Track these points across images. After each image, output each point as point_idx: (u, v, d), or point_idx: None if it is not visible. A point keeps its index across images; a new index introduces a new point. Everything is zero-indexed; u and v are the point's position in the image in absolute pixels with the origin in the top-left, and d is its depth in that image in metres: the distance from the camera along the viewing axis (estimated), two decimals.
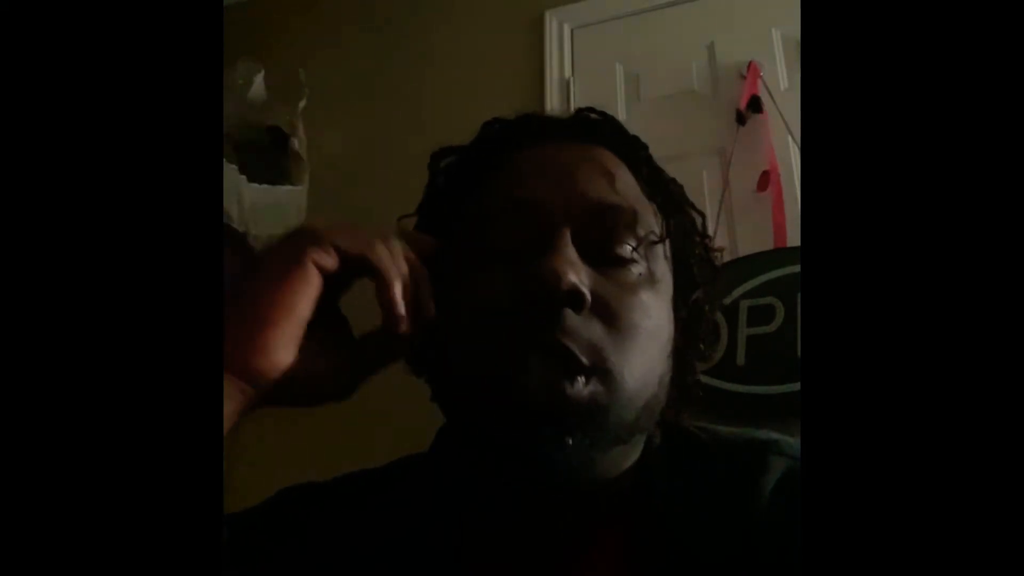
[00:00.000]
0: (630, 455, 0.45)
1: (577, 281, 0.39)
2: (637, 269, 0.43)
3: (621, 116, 1.53)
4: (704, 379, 0.49)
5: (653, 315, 0.43)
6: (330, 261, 0.39)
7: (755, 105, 1.40)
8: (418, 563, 0.43)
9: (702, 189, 1.37)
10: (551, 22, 1.67)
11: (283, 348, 0.37)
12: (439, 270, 0.44)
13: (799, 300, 1.13)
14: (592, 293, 0.40)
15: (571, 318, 0.39)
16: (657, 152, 0.50)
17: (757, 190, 1.35)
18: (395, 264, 0.40)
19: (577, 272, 0.40)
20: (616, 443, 0.41)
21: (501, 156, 0.48)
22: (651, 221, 0.45)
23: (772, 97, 1.41)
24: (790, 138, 1.37)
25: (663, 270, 0.45)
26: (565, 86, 1.60)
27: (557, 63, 1.62)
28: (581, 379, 0.38)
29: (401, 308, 0.40)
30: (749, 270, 1.21)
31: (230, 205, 1.43)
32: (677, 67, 1.55)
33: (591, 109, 0.51)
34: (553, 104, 1.56)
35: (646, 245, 0.44)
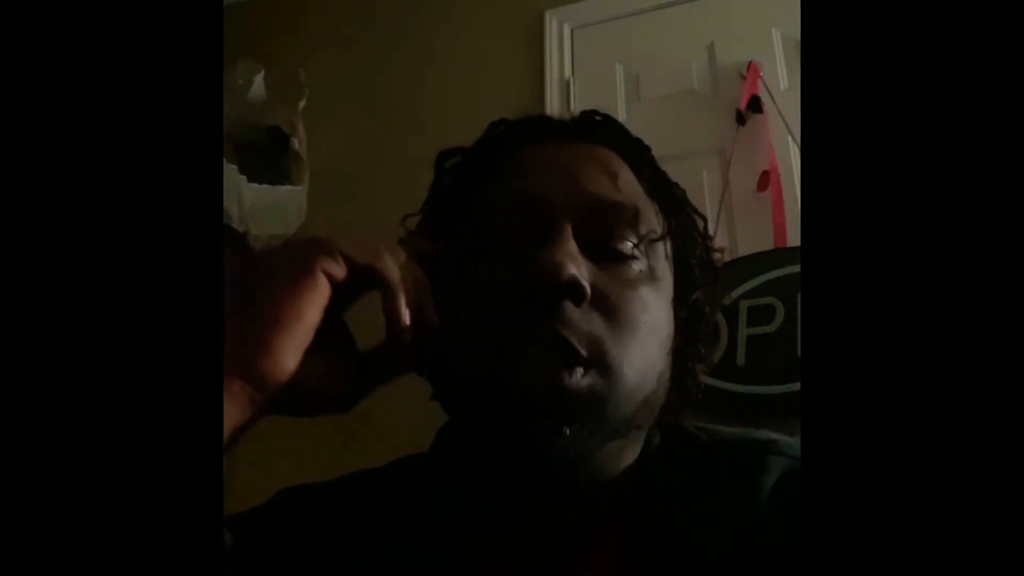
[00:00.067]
0: (629, 453, 0.45)
1: (577, 273, 0.39)
2: (638, 266, 0.44)
3: (621, 116, 1.54)
4: (704, 379, 0.49)
5: (653, 311, 0.43)
6: (339, 270, 0.39)
7: (755, 105, 1.40)
8: (418, 563, 0.43)
9: (702, 189, 1.37)
10: (551, 22, 1.67)
11: (290, 354, 0.38)
12: (442, 270, 0.44)
13: (799, 300, 1.14)
14: (592, 287, 0.40)
15: (570, 310, 0.39)
16: (657, 152, 0.51)
17: (757, 190, 1.35)
18: (401, 276, 0.41)
19: (577, 265, 0.40)
20: (614, 437, 0.41)
21: (505, 155, 0.48)
22: (652, 220, 0.46)
23: (772, 97, 1.41)
24: (790, 138, 1.37)
25: (664, 269, 0.46)
26: (565, 86, 1.60)
27: (557, 63, 1.63)
28: (579, 370, 0.39)
29: (406, 319, 0.40)
30: (749, 270, 1.21)
31: (230, 205, 1.43)
32: (677, 67, 1.55)
33: (594, 112, 0.51)
34: (553, 104, 1.56)
35: (647, 243, 0.44)
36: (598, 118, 0.51)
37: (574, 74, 1.62)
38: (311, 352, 0.39)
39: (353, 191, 1.62)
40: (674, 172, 0.51)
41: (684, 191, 0.51)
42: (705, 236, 0.51)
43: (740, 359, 1.15)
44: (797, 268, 1.17)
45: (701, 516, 0.41)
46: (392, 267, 0.40)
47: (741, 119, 1.40)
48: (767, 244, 1.27)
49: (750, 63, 1.46)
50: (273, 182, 1.53)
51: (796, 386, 1.09)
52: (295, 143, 1.58)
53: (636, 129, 0.51)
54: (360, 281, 0.40)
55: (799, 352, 1.11)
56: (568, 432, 0.38)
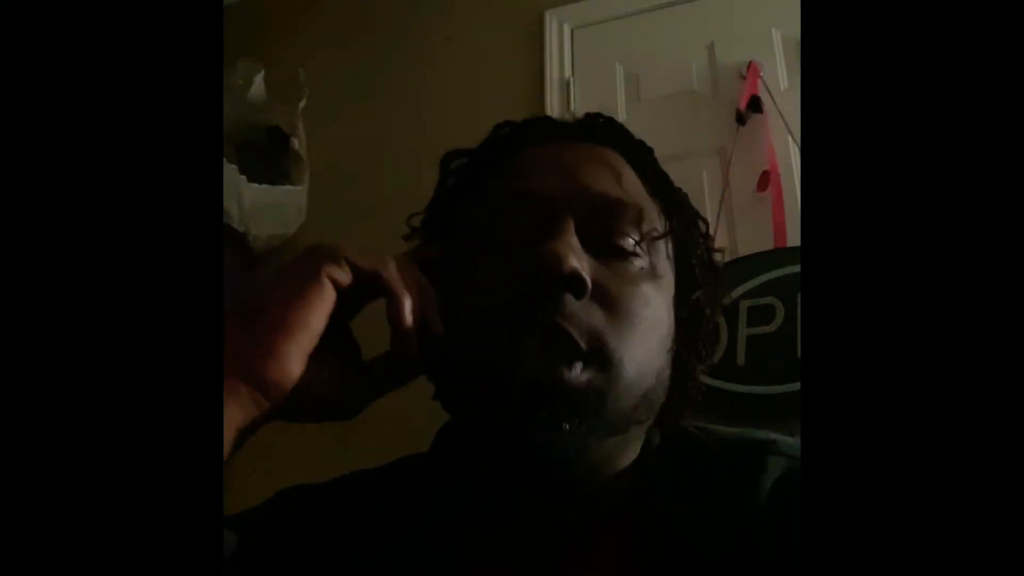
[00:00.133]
0: (628, 452, 0.45)
1: (578, 266, 0.39)
2: (639, 263, 0.44)
3: (621, 116, 1.54)
4: (704, 379, 0.49)
5: (653, 307, 0.43)
6: (345, 277, 0.40)
7: (755, 105, 1.40)
8: (418, 563, 0.43)
9: (702, 189, 1.37)
10: (551, 22, 1.67)
11: (296, 360, 0.38)
12: (444, 269, 0.44)
13: (799, 300, 1.13)
14: (593, 281, 0.40)
15: (571, 303, 0.40)
16: (657, 152, 0.51)
17: (757, 190, 1.35)
18: (406, 284, 0.41)
19: (579, 259, 0.40)
20: (613, 432, 0.41)
21: (508, 156, 0.49)
22: (654, 219, 0.46)
23: (772, 97, 1.41)
24: (790, 138, 1.37)
25: (665, 267, 0.46)
26: (565, 86, 1.60)
27: (557, 63, 1.62)
28: (579, 365, 0.39)
29: (411, 326, 0.40)
30: (749, 270, 1.21)
31: (230, 205, 1.43)
32: (677, 67, 1.55)
33: (597, 114, 0.52)
34: (553, 104, 1.56)
35: (648, 241, 0.45)
36: (601, 120, 0.51)
37: (574, 74, 1.62)
38: (316, 358, 0.39)
39: (353, 191, 1.62)
40: (674, 172, 0.52)
41: (687, 196, 0.52)
42: (706, 237, 0.51)
43: (740, 359, 1.15)
44: (797, 268, 1.17)
45: (701, 516, 0.41)
46: (397, 274, 0.41)
47: (741, 119, 1.40)
48: (767, 244, 1.27)
49: (750, 63, 1.46)
50: (273, 182, 1.53)
51: (796, 386, 1.09)
52: (295, 143, 1.58)
53: (636, 129, 0.51)
54: (366, 288, 0.41)
55: (799, 352, 1.11)
56: (567, 427, 0.38)
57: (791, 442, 0.45)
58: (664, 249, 0.46)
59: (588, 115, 0.52)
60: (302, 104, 1.61)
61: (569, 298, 0.39)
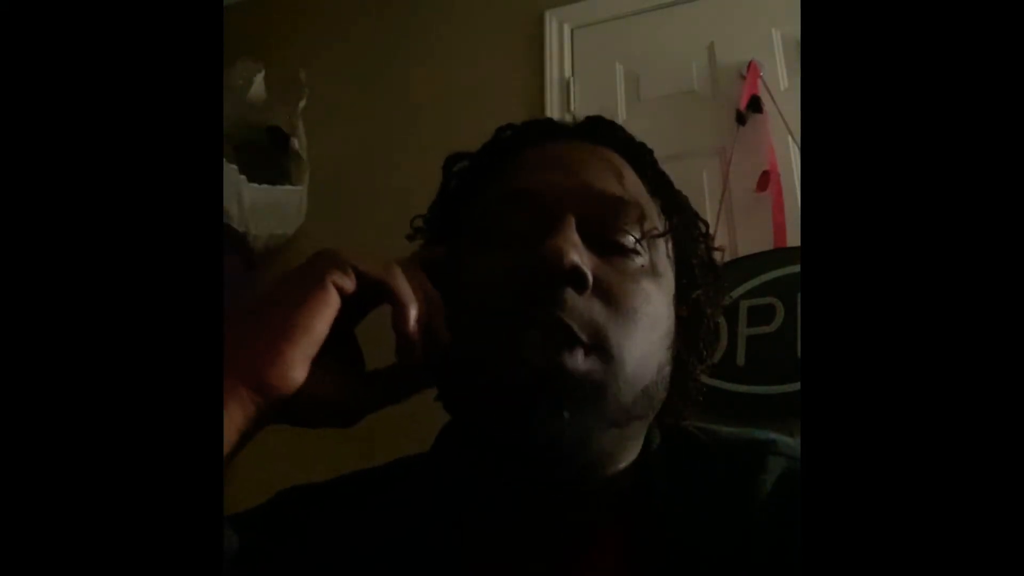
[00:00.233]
0: (628, 450, 0.45)
1: (579, 261, 0.40)
2: (640, 260, 0.44)
3: (621, 116, 1.54)
4: (704, 379, 0.50)
5: (654, 303, 0.43)
6: (349, 283, 0.40)
7: (755, 105, 1.40)
8: (418, 563, 0.43)
9: (702, 189, 1.37)
10: (551, 22, 1.67)
11: (298, 364, 0.38)
12: (446, 268, 0.44)
13: (799, 300, 1.14)
14: (594, 277, 0.41)
15: (572, 297, 0.40)
16: (657, 152, 0.52)
17: (757, 190, 1.35)
18: (412, 291, 0.41)
19: (579, 254, 0.40)
20: (612, 425, 0.41)
21: (509, 156, 0.49)
22: (655, 217, 0.47)
23: (772, 97, 1.41)
24: (790, 138, 1.37)
25: (665, 266, 0.46)
26: (565, 86, 1.60)
27: (557, 63, 1.62)
28: (580, 352, 0.39)
29: (415, 334, 0.40)
30: (749, 270, 1.21)
31: (230, 205, 1.42)
32: (677, 67, 1.55)
33: (599, 117, 0.52)
34: (553, 104, 1.56)
35: (649, 239, 0.45)
36: (601, 122, 0.52)
37: (574, 74, 1.62)
38: (319, 364, 0.39)
39: (353, 191, 1.62)
40: (674, 172, 0.52)
41: (687, 198, 0.52)
42: (706, 237, 0.51)
43: (740, 359, 1.15)
44: (797, 268, 1.17)
45: (701, 516, 0.41)
46: (403, 282, 0.41)
47: (741, 119, 1.40)
48: (767, 244, 1.27)
49: (750, 63, 1.46)
50: (273, 182, 1.53)
51: (796, 386, 1.09)
52: (295, 143, 1.58)
53: (636, 129, 0.51)
54: (371, 295, 0.41)
55: (799, 352, 1.11)
56: (567, 416, 0.38)
57: (791, 442, 0.45)
58: (664, 248, 0.47)
59: (588, 118, 0.52)
60: (302, 104, 1.61)
61: (570, 292, 0.40)
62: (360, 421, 0.42)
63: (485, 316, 0.41)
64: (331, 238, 1.49)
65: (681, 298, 0.47)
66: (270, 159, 1.59)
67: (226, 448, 0.36)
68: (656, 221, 0.46)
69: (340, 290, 0.39)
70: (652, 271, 0.44)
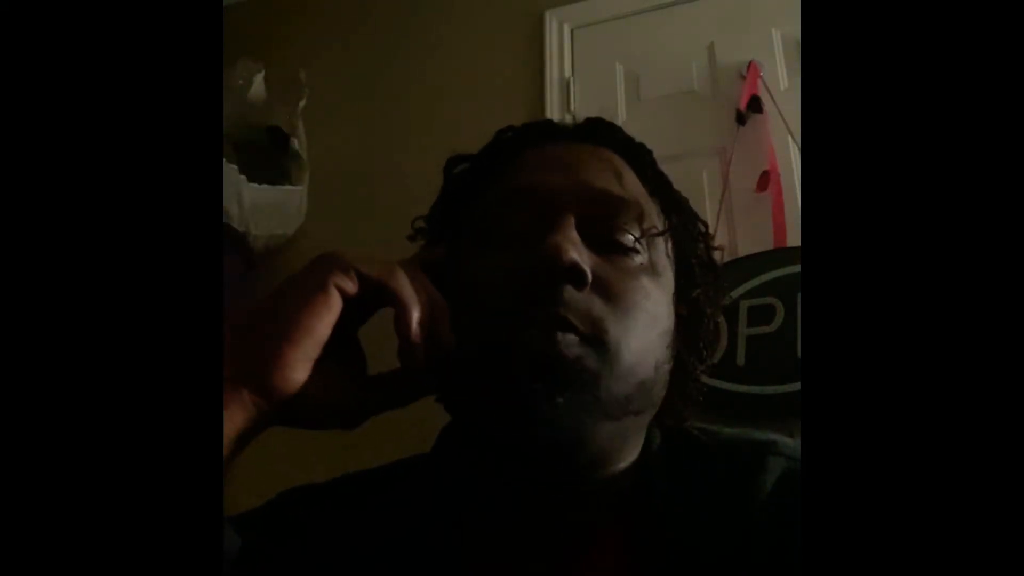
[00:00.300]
0: (628, 450, 0.45)
1: (578, 258, 0.40)
2: (639, 259, 0.44)
3: (621, 116, 1.54)
4: (704, 379, 0.50)
5: (653, 300, 0.44)
6: (352, 286, 0.40)
7: (755, 105, 1.40)
8: (418, 563, 0.43)
9: (702, 189, 1.37)
10: (551, 22, 1.67)
11: (300, 367, 0.38)
12: (446, 269, 0.44)
13: (799, 300, 1.14)
14: (593, 274, 0.41)
15: (571, 293, 0.40)
16: (657, 152, 0.52)
17: (757, 190, 1.35)
18: (415, 293, 0.41)
19: (579, 251, 0.41)
20: (607, 417, 0.41)
21: (509, 157, 0.49)
22: (654, 217, 0.47)
23: (772, 97, 1.41)
24: (790, 138, 1.37)
25: (664, 265, 0.46)
26: (565, 86, 1.60)
27: (557, 63, 1.62)
28: (572, 336, 0.39)
29: (418, 337, 0.40)
30: (749, 270, 1.21)
31: (230, 205, 1.42)
32: (677, 67, 1.55)
33: (598, 119, 0.52)
34: (553, 104, 1.56)
35: (648, 238, 0.45)
36: (601, 123, 0.52)
37: (574, 74, 1.62)
38: (321, 366, 0.39)
39: (353, 191, 1.62)
40: (674, 172, 0.52)
41: (687, 199, 0.52)
42: (705, 236, 0.52)
43: (740, 359, 1.15)
44: (797, 268, 1.17)
45: (701, 516, 0.41)
46: (405, 285, 0.41)
47: (741, 119, 1.40)
48: (767, 244, 1.27)
49: (750, 63, 1.46)
50: (273, 182, 1.53)
51: (796, 386, 1.09)
52: (295, 143, 1.58)
53: (636, 129, 0.52)
54: (373, 297, 0.41)
55: (799, 352, 1.11)
56: (561, 401, 0.38)
57: (791, 442, 0.45)
58: (663, 247, 0.47)
59: (588, 120, 0.52)
60: (302, 104, 1.61)
61: (569, 289, 0.40)
62: (361, 424, 0.42)
63: (485, 316, 0.41)
64: (331, 238, 1.50)
65: (680, 297, 0.47)
66: (270, 159, 1.59)
67: (227, 449, 0.36)
68: (655, 220, 0.47)
69: (342, 292, 0.39)
70: (651, 269, 0.45)
